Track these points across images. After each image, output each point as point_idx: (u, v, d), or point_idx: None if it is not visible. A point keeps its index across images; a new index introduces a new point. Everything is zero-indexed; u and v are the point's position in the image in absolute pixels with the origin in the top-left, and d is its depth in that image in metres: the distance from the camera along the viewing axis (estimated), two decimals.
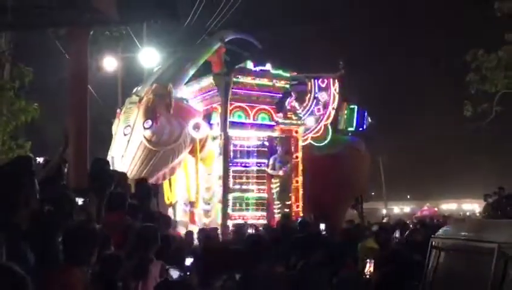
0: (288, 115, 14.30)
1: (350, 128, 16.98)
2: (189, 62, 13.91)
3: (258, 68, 13.81)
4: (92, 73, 12.05)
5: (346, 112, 16.92)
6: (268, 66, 14.03)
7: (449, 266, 4.44)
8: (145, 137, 12.19)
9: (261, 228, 10.95)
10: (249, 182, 13.31)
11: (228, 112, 13.22)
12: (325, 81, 16.01)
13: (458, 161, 47.99)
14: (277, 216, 13.28)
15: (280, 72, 14.10)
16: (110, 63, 13.20)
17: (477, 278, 3.89)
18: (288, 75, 14.21)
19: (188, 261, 6.15)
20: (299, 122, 14.49)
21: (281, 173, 13.65)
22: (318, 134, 15.63)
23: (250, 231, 9.97)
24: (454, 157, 47.82)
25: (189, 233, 10.66)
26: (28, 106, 11.52)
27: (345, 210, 17.15)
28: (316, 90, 15.91)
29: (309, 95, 15.78)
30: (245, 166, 13.40)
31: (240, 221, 12.41)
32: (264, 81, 13.70)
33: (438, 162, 49.83)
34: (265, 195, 13.46)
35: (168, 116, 12.43)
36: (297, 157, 14.23)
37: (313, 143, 15.44)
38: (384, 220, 16.62)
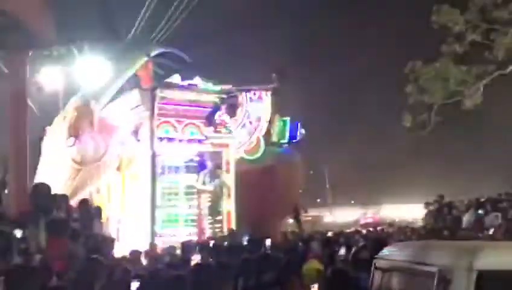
0: (218, 129, 14.09)
1: (282, 141, 16.81)
2: (114, 77, 13.47)
3: (186, 82, 13.62)
4: (33, 92, 11.85)
5: (278, 124, 16.74)
6: (197, 80, 13.86)
7: (392, 287, 4.53)
8: (70, 156, 11.99)
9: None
10: (178, 198, 13.12)
11: (154, 127, 12.97)
12: (257, 93, 15.79)
13: (400, 166, 49.16)
14: (208, 232, 13.24)
15: (209, 85, 13.97)
16: (51, 80, 12.94)
17: None
18: (217, 88, 14.07)
19: (134, 285, 6.05)
20: (229, 136, 14.30)
21: (211, 188, 13.53)
22: (250, 147, 15.43)
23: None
24: (396, 162, 48.96)
25: (134, 253, 10.44)
26: None
27: (281, 223, 16.90)
28: (248, 103, 15.64)
29: (240, 108, 15.53)
30: (173, 182, 13.20)
31: (169, 238, 12.23)
32: (192, 96, 13.52)
33: (380, 168, 50.92)
34: (194, 211, 13.30)
35: (92, 133, 12.19)
36: (228, 171, 14.07)
37: (246, 157, 15.27)
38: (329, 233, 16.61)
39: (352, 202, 60.97)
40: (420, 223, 20.32)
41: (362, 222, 38.09)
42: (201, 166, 13.68)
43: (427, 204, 16.93)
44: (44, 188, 7.41)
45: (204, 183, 13.56)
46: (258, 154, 15.46)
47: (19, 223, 5.83)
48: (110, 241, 8.25)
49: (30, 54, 7.85)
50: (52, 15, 7.30)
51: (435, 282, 3.73)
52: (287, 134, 16.91)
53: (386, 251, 4.93)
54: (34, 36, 6.87)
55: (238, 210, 13.94)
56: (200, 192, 13.54)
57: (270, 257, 6.90)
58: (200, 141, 13.57)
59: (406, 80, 19.40)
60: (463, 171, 42.68)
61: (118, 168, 13.13)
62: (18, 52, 7.30)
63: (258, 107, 15.67)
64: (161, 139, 13.05)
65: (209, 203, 13.64)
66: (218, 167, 13.84)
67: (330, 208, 56.81)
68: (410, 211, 43.26)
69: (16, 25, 6.56)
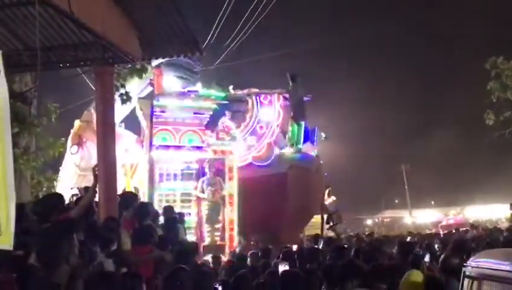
0: (221, 136, 13.80)
1: (299, 146, 16.26)
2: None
3: (186, 89, 13.51)
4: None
5: (291, 128, 16.22)
6: (198, 87, 13.70)
7: None
8: (74, 163, 12.38)
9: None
10: (175, 206, 12.67)
11: (152, 134, 12.87)
12: (268, 97, 15.43)
13: (483, 166, 47.51)
14: (207, 240, 13.10)
15: (211, 92, 13.77)
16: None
17: None
18: (221, 94, 13.80)
19: None
20: (232, 142, 13.94)
21: (209, 195, 13.20)
22: (260, 153, 15.07)
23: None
24: (478, 162, 47.35)
25: (216, 258, 10.60)
26: (56, 140, 11.71)
27: (297, 231, 16.12)
28: (258, 108, 15.32)
29: (250, 113, 15.21)
30: (170, 189, 13.06)
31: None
32: (189, 103, 13.31)
33: (462, 167, 49.41)
34: (192, 219, 13.09)
35: (95, 140, 12.30)
36: (231, 178, 13.70)
37: (256, 163, 14.88)
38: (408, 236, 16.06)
39: (433, 202, 59.42)
40: (505, 225, 19.57)
41: (444, 223, 36.92)
42: (201, 173, 13.36)
43: None
44: (133, 197, 7.73)
45: (203, 190, 13.24)
46: (268, 161, 15.06)
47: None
48: (194, 247, 8.45)
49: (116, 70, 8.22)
50: (136, 29, 7.57)
51: None
52: (302, 138, 16.29)
53: (477, 258, 4.80)
54: (121, 51, 7.16)
55: (243, 218, 13.61)
56: (199, 199, 13.28)
57: (354, 264, 6.81)
58: (200, 148, 13.30)
59: (488, 76, 18.74)
60: None
61: (125, 174, 13.20)
62: (104, 67, 7.61)
63: (268, 112, 15.33)
64: (159, 146, 12.97)
65: (208, 211, 13.31)
66: (217, 174, 13.42)
67: (410, 209, 55.48)
68: (495, 212, 41.77)
69: (103, 40, 6.85)
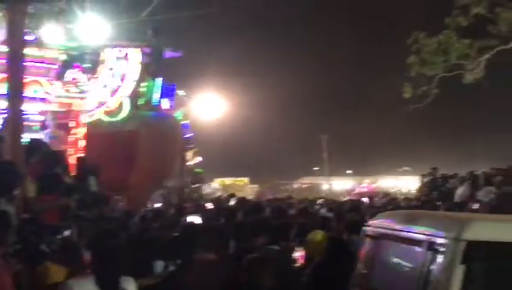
0: (67, 88, 13.02)
1: (154, 103, 15.52)
2: None
3: (31, 37, 12.25)
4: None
5: (147, 84, 15.32)
6: (44, 34, 12.19)
7: (381, 255, 4.58)
8: None
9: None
10: None
11: None
12: (124, 50, 14.35)
13: (400, 139, 49.27)
14: None
15: (57, 41, 12.33)
16: (51, 37, 12.46)
17: (408, 268, 4.04)
18: (69, 45, 12.59)
19: None
20: (80, 95, 13.18)
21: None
22: (111, 108, 14.19)
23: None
24: (396, 135, 49.05)
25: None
26: None
27: (149, 192, 14.88)
28: (112, 61, 14.27)
29: (102, 65, 14.16)
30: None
31: None
32: (34, 51, 12.10)
33: (378, 140, 51.06)
34: None
35: None
36: (77, 133, 12.96)
37: (106, 118, 14.06)
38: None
39: (349, 171, 61.36)
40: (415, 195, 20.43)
41: (357, 191, 38.28)
42: (43, 126, 12.50)
43: (422, 176, 17.00)
44: (41, 144, 7.44)
45: None
46: (120, 117, 14.21)
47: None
48: (102, 198, 8.28)
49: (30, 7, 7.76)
50: None
51: (424, 250, 3.78)
52: (157, 96, 15.52)
53: (376, 219, 4.97)
54: None
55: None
56: None
57: (265, 221, 6.93)
58: (43, 100, 12.38)
59: (409, 50, 19.24)
60: (461, 145, 42.84)
61: None
62: (18, 4, 7.19)
63: (123, 65, 14.28)
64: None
65: None
66: (62, 127, 12.78)
67: (327, 177, 57.14)
68: (407, 183, 43.65)
69: None
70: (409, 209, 9.21)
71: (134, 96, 14.66)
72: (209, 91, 23.48)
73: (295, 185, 59.63)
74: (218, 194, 26.43)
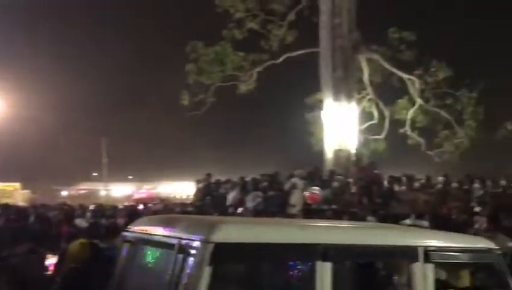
0: None
1: None
2: None
3: None
4: None
5: None
6: None
7: (138, 260, 4.54)
8: None
9: None
10: None
11: None
12: None
13: (177, 144, 50.15)
14: None
15: None
16: None
17: (162, 272, 4.05)
18: None
19: None
20: None
21: None
22: None
23: None
24: (173, 140, 49.83)
25: None
26: None
27: None
28: None
29: None
30: None
31: None
32: None
33: (161, 145, 51.47)
34: None
35: None
36: None
37: None
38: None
39: (130, 177, 60.71)
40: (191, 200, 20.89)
41: (136, 196, 38.02)
42: None
43: (197, 181, 17.42)
44: None
45: None
46: None
47: None
48: None
49: None
50: None
51: (176, 253, 3.83)
52: None
53: (134, 224, 4.92)
54: None
55: None
56: None
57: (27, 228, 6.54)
58: None
59: (187, 59, 19.73)
60: (241, 152, 45.08)
61: None
62: None
63: None
64: None
65: None
66: None
67: (106, 183, 55.81)
68: (186, 188, 44.52)
69: None
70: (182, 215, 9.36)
71: None
72: None
73: (72, 191, 57.19)
74: None
